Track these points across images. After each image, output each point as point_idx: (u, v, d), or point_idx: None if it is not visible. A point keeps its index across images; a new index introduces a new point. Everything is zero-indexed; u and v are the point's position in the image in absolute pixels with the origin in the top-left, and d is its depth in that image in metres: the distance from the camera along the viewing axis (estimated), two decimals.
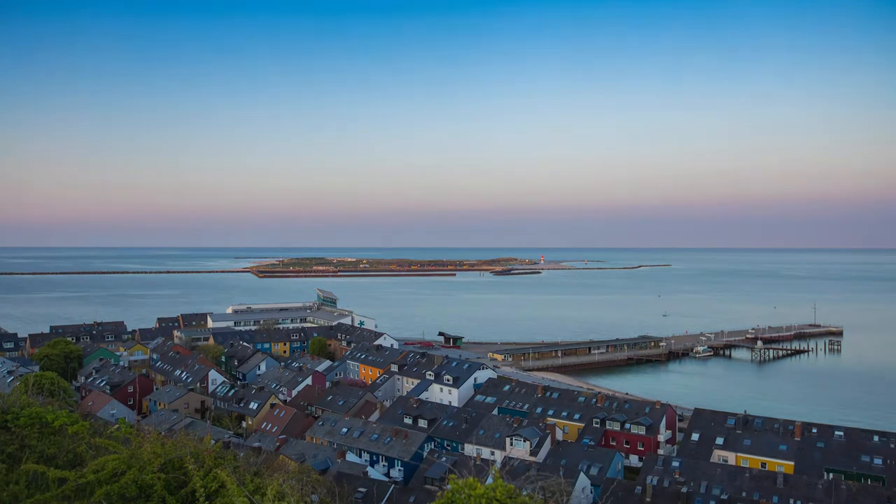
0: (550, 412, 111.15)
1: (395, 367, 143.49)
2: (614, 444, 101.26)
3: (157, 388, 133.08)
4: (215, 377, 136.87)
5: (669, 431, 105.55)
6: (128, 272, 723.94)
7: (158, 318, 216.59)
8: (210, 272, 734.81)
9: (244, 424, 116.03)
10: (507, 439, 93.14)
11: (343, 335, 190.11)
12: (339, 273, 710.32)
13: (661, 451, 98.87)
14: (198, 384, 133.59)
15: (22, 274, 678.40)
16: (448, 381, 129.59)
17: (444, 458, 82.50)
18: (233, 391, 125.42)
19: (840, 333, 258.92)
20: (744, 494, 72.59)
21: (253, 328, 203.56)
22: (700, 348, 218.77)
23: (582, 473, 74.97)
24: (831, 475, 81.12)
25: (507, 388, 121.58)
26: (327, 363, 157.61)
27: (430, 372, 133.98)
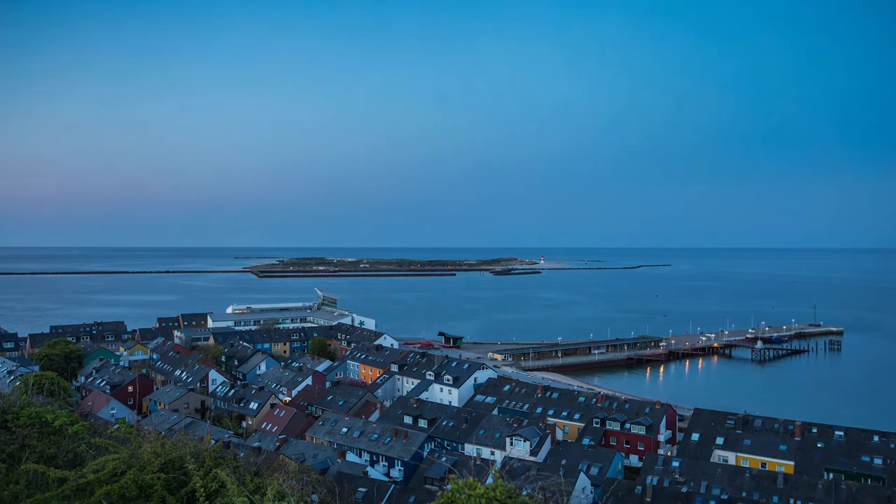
0: (550, 412, 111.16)
1: (395, 367, 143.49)
2: (614, 444, 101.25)
3: (157, 388, 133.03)
4: (215, 377, 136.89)
5: (669, 431, 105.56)
6: (127, 272, 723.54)
7: (158, 318, 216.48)
8: (210, 272, 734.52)
9: (244, 424, 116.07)
10: (507, 439, 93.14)
11: (343, 335, 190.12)
12: (338, 273, 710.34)
13: (661, 451, 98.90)
14: (198, 384, 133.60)
15: (21, 274, 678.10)
16: (448, 381, 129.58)
17: (444, 458, 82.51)
18: (233, 391, 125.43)
19: (840, 333, 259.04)
20: (744, 494, 72.60)
21: (253, 328, 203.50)
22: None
23: (582, 473, 74.94)
24: (831, 475, 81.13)
25: (507, 388, 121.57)
26: (327, 363, 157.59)
27: (430, 372, 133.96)
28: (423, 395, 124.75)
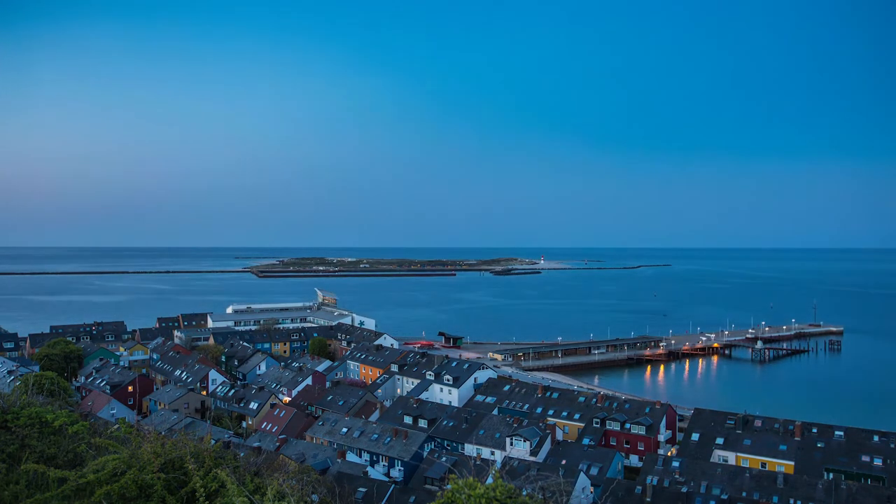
0: (550, 412, 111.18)
1: (395, 367, 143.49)
2: (614, 444, 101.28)
3: (157, 388, 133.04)
4: (215, 377, 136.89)
5: (669, 431, 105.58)
6: (127, 272, 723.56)
7: (158, 318, 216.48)
8: (210, 272, 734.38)
9: (244, 424, 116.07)
10: (508, 439, 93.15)
11: (343, 335, 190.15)
12: (338, 273, 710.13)
13: (661, 451, 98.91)
14: (198, 384, 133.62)
15: (21, 274, 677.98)
16: (448, 381, 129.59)
17: (444, 458, 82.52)
18: (233, 391, 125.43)
19: (840, 333, 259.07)
20: (744, 494, 72.62)
21: (253, 328, 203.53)
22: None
23: (582, 473, 74.92)
24: (831, 475, 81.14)
25: (507, 388, 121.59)
26: (327, 363, 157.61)
27: (430, 372, 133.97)
28: (423, 395, 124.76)
